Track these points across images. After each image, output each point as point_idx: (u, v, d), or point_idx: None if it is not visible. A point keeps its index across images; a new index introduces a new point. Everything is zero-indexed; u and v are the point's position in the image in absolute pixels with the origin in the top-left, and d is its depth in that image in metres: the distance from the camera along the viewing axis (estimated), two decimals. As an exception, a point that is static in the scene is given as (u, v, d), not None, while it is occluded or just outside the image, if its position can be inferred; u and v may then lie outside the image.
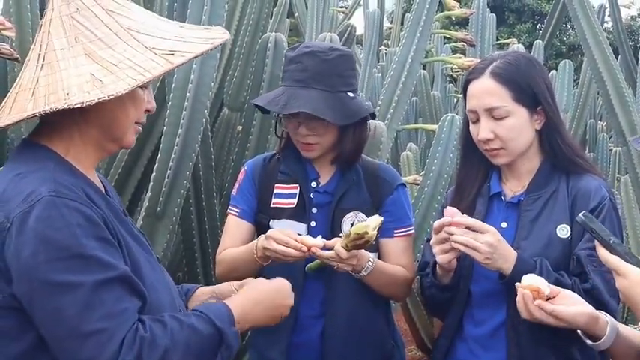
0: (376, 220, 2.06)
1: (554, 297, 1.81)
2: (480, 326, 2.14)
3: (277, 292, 1.77)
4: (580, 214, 1.70)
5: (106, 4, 1.55)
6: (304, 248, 2.05)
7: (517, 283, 1.85)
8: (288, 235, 2.08)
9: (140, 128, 1.66)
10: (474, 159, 2.20)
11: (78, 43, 1.51)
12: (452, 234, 1.97)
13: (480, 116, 2.10)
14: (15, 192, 1.46)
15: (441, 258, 2.04)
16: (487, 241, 1.94)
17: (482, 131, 2.09)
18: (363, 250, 2.11)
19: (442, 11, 5.29)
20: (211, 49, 1.60)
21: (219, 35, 1.65)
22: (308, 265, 2.20)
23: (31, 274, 1.41)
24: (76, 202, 1.46)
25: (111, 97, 1.44)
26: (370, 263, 2.17)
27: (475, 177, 2.21)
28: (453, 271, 2.12)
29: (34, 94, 1.49)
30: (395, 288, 2.31)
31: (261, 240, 2.14)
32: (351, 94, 2.26)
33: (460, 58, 5.23)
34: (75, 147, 1.58)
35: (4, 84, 3.11)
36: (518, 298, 1.83)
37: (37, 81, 1.50)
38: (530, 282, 1.82)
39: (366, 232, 2.00)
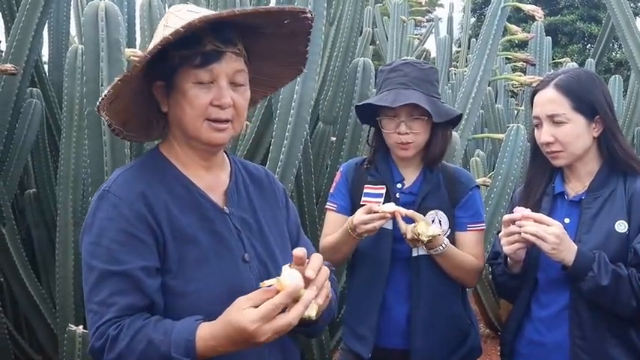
0: (434, 231, 2.07)
1: None
2: (546, 309, 2.07)
3: (240, 332, 1.28)
4: None
5: (169, 21, 1.47)
6: (387, 215, 2.08)
7: None
8: (369, 212, 2.09)
9: (219, 126, 1.46)
10: (540, 161, 2.13)
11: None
12: (523, 226, 1.91)
13: (542, 122, 2.05)
14: (105, 182, 1.52)
15: (507, 249, 1.98)
16: (554, 232, 1.87)
17: (544, 135, 2.04)
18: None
19: (505, 36, 5.17)
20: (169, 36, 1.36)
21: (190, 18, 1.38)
22: None
23: (82, 247, 1.47)
24: (117, 198, 1.43)
25: (99, 102, 1.44)
26: (442, 247, 2.15)
27: (541, 178, 2.14)
28: (521, 262, 2.06)
29: None
30: (464, 273, 2.25)
31: (349, 224, 2.14)
32: (441, 100, 2.27)
33: (521, 76, 5.10)
34: (174, 148, 1.55)
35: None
36: None
37: None
38: None
39: (420, 235, 2.04)
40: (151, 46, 1.44)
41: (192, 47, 1.43)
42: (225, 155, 1.64)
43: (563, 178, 2.12)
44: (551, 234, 1.87)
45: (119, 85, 1.42)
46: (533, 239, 1.89)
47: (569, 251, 1.89)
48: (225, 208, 1.55)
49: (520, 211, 1.95)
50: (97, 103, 1.46)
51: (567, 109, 2.01)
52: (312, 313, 1.34)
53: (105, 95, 1.44)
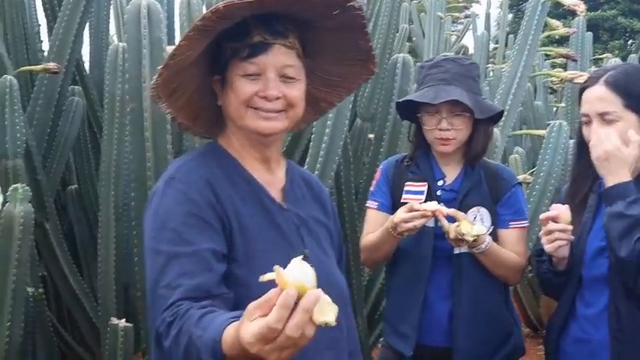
0: (478, 230, 2.07)
1: None
2: (591, 307, 2.04)
3: (247, 351, 1.09)
4: None
5: None
6: (428, 213, 2.07)
7: None
8: (411, 211, 2.09)
9: (265, 114, 1.46)
10: (587, 159, 2.09)
11: None
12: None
13: (592, 120, 2.01)
14: (167, 172, 1.51)
15: (548, 247, 1.98)
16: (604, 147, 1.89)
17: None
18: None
19: (545, 31, 5.11)
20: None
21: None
22: None
23: (144, 236, 1.44)
24: (185, 185, 1.42)
25: (154, 83, 1.46)
26: (484, 245, 2.13)
27: (588, 174, 2.10)
28: (566, 259, 2.04)
29: None
30: (507, 270, 2.24)
31: (390, 223, 2.14)
32: (483, 97, 2.26)
33: (561, 72, 5.03)
34: (231, 140, 1.55)
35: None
36: None
37: None
38: None
39: (465, 235, 2.05)
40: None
41: (241, 40, 1.44)
42: (281, 155, 1.65)
43: (609, 175, 2.09)
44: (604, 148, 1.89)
45: (170, 65, 1.42)
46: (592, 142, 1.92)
47: (613, 173, 1.88)
48: (283, 204, 1.56)
49: (557, 208, 1.93)
50: (153, 83, 1.46)
51: (618, 107, 1.96)
52: (328, 318, 1.04)
53: (158, 77, 1.44)
